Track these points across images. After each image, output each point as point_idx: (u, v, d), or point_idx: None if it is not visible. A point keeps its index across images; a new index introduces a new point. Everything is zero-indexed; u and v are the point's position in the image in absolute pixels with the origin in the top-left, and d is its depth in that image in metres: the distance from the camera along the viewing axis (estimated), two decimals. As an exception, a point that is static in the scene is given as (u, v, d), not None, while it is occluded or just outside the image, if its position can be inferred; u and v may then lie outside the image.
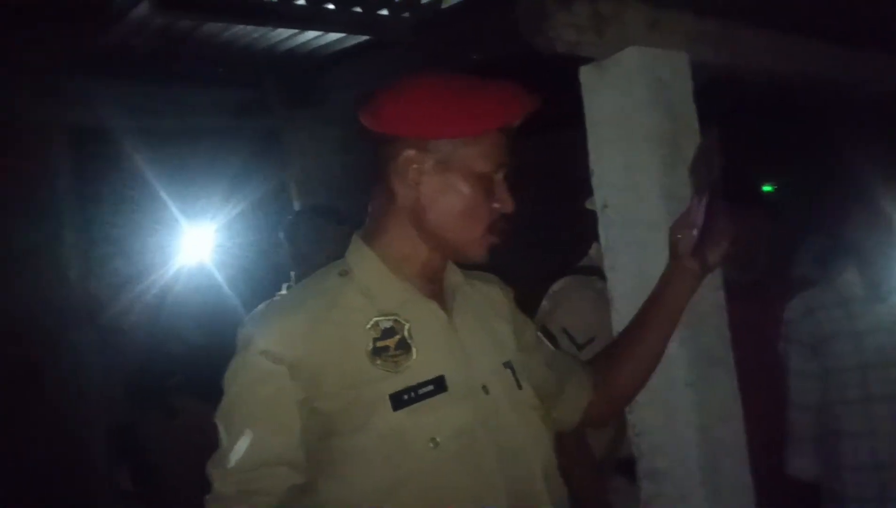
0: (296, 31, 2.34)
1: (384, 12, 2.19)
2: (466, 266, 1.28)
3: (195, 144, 3.37)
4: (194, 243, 3.00)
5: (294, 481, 1.07)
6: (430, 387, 1.09)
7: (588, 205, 1.74)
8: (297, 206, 3.08)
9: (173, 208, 2.90)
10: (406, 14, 2.18)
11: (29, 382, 2.47)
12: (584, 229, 1.78)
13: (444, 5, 2.11)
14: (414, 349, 1.11)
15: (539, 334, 1.41)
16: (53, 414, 2.52)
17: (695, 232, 1.39)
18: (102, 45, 2.42)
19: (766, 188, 4.21)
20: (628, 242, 1.58)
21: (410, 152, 1.13)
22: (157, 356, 2.93)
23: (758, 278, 2.17)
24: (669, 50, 1.60)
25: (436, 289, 1.20)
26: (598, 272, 1.82)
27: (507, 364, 1.21)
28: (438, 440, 1.07)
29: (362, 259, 1.18)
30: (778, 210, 2.44)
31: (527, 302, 1.43)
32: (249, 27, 2.32)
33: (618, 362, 1.46)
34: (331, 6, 2.13)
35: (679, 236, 1.42)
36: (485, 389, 1.15)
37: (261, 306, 1.22)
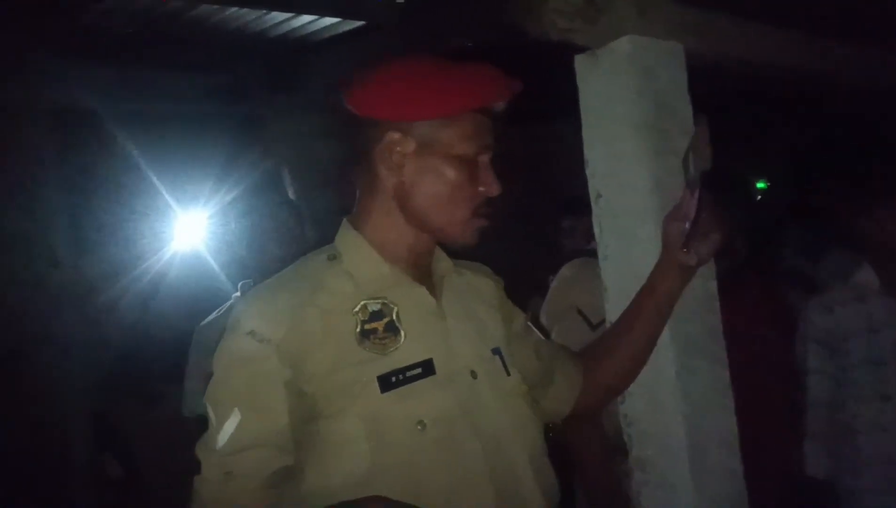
0: (285, 15, 2.31)
1: (373, -4, 2.17)
2: (458, 255, 1.28)
3: (179, 128, 3.33)
4: (183, 228, 2.97)
5: (280, 463, 1.07)
6: (419, 370, 1.10)
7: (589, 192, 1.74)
8: (291, 194, 3.05)
9: (161, 193, 2.87)
10: (396, -1, 2.16)
11: (13, 366, 2.44)
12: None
13: None
14: (402, 332, 1.12)
15: (529, 323, 1.42)
16: (37, 399, 2.49)
17: (687, 224, 1.39)
18: (84, 25, 2.38)
19: (760, 185, 4.23)
20: (620, 232, 1.58)
21: (393, 135, 1.13)
22: (142, 342, 2.91)
23: (738, 268, 2.17)
24: (663, 40, 1.60)
25: (424, 274, 1.20)
26: None
27: (496, 351, 1.22)
28: (426, 422, 1.07)
29: (350, 243, 1.18)
30: (758, 200, 2.45)
31: (518, 292, 1.43)
32: (236, 10, 2.29)
33: (609, 352, 1.47)
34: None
35: (671, 228, 1.43)
36: (473, 374, 1.16)
37: (251, 290, 1.21)
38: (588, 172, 1.62)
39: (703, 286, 1.59)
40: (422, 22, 2.19)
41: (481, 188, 1.15)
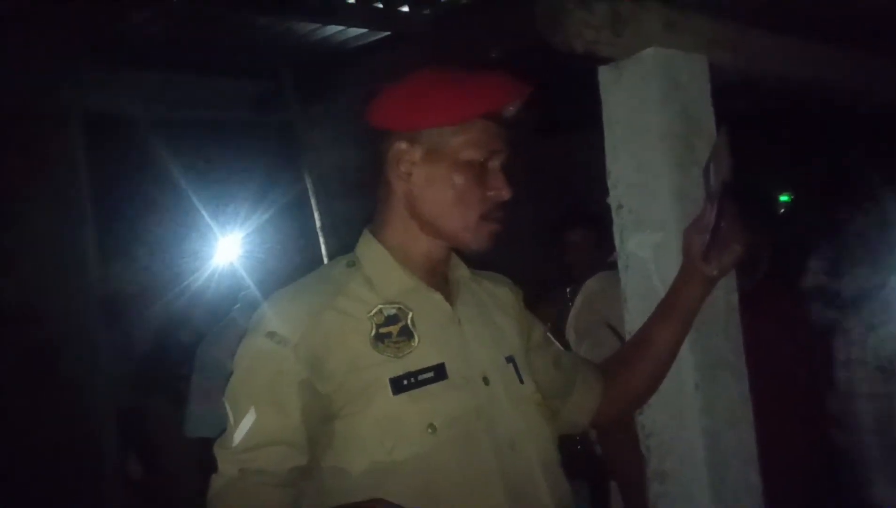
0: (317, 25, 2.35)
1: (405, 8, 2.20)
2: (479, 264, 1.30)
3: (212, 136, 3.39)
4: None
5: (295, 462, 1.10)
6: (431, 374, 1.12)
7: (608, 201, 1.74)
8: (314, 203, 3.09)
9: (194, 203, 2.92)
10: (426, 10, 2.19)
11: (44, 363, 2.49)
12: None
13: (463, 1, 2.13)
14: (416, 337, 1.14)
15: (548, 334, 1.43)
16: (66, 396, 2.54)
17: (707, 236, 1.39)
18: (122, 32, 2.44)
19: (784, 198, 4.19)
20: (642, 242, 1.58)
21: (401, 145, 1.17)
22: (167, 344, 2.96)
23: (761, 285, 2.15)
24: (688, 52, 1.60)
25: (440, 281, 1.23)
26: None
27: (510, 359, 1.23)
28: (436, 425, 1.09)
29: (369, 251, 1.21)
30: (784, 216, 2.43)
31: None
32: (270, 20, 2.33)
33: (630, 364, 1.47)
34: (352, 1, 2.14)
35: (692, 238, 1.43)
36: (485, 380, 1.17)
37: (273, 293, 1.25)
38: (610, 182, 1.62)
39: (725, 298, 1.58)
40: (451, 33, 2.22)
41: (491, 193, 1.17)
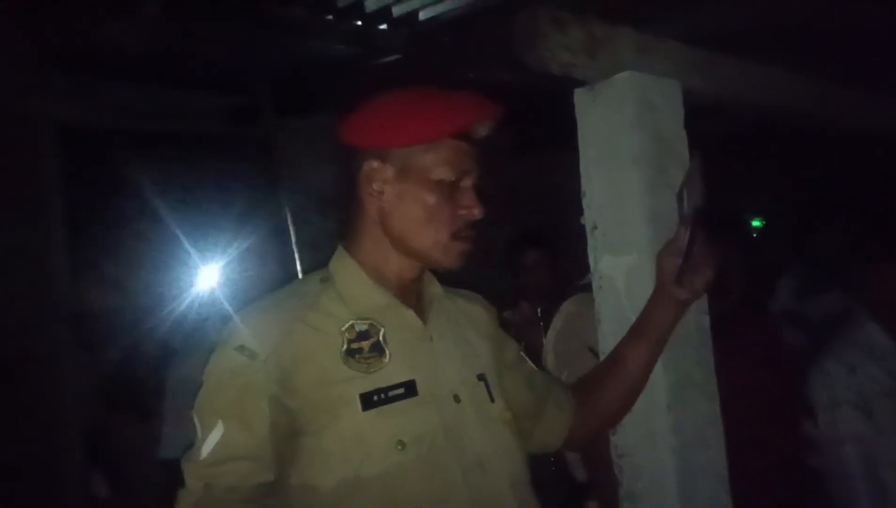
0: (295, 40, 2.36)
1: (383, 27, 2.22)
2: (452, 282, 1.30)
3: (186, 150, 3.36)
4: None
5: (261, 478, 1.09)
6: (401, 390, 1.12)
7: (582, 221, 1.75)
8: (289, 217, 3.08)
9: (164, 215, 2.89)
10: (404, 29, 2.20)
11: (7, 377, 2.44)
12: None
13: (421, 17, 2.15)
14: (388, 353, 1.14)
15: (522, 353, 1.43)
16: (28, 414, 2.48)
17: (680, 260, 1.41)
18: (98, 42, 2.42)
19: (755, 223, 4.26)
20: (615, 263, 1.59)
21: (373, 163, 1.18)
22: (134, 360, 2.91)
23: (734, 309, 2.17)
24: (662, 77, 1.63)
25: (413, 298, 1.23)
26: None
27: (481, 377, 1.24)
28: (405, 442, 1.08)
29: (343, 267, 1.22)
30: (756, 241, 2.46)
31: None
32: (249, 34, 2.33)
33: (602, 384, 1.48)
34: (330, 17, 2.15)
35: (665, 262, 1.44)
36: (456, 398, 1.17)
37: (245, 307, 1.24)
38: (585, 203, 1.64)
39: (696, 321, 1.59)
40: (429, 53, 2.24)
41: (462, 212, 1.18)
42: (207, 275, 2.59)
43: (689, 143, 1.65)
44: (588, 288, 1.87)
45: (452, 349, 1.22)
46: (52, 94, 2.71)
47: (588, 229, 1.64)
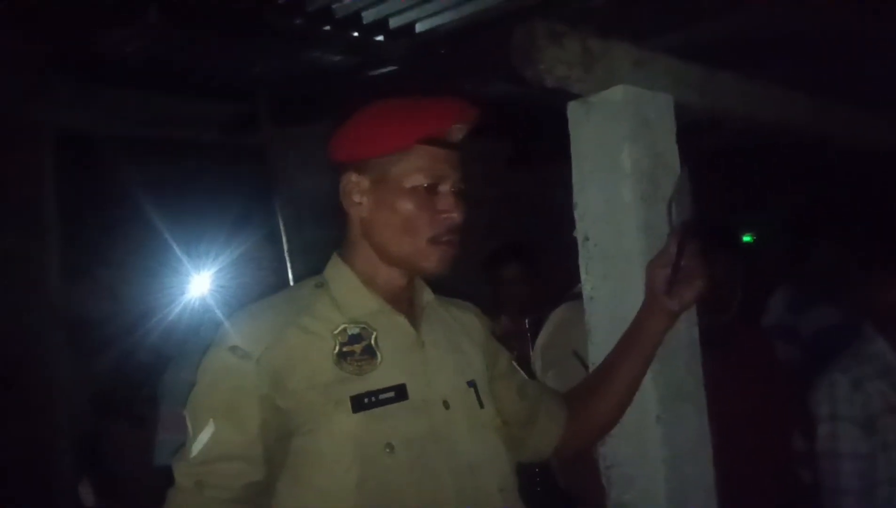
0: (292, 50, 2.37)
1: (380, 38, 2.23)
2: (443, 293, 1.31)
3: (183, 157, 3.37)
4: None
5: (251, 478, 1.10)
6: (392, 394, 1.13)
7: (575, 234, 1.77)
8: (282, 227, 3.08)
9: (160, 222, 2.89)
10: (402, 40, 2.22)
11: (-1, 384, 2.43)
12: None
13: (418, 28, 2.16)
14: (379, 356, 1.16)
15: (514, 363, 1.44)
16: (22, 420, 2.48)
17: (669, 270, 1.42)
18: (98, 48, 2.43)
19: (746, 238, 4.28)
20: (607, 274, 1.61)
21: (351, 176, 1.21)
22: (127, 365, 2.91)
23: (730, 323, 2.18)
24: (655, 91, 1.64)
25: (406, 305, 1.25)
26: None
27: (471, 383, 1.25)
28: (394, 445, 1.10)
29: (337, 273, 1.24)
30: (753, 256, 2.47)
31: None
32: (247, 43, 2.35)
33: (593, 394, 1.49)
34: (328, 28, 2.17)
35: (655, 273, 1.46)
36: (445, 404, 1.19)
37: (239, 309, 1.26)
38: (577, 214, 1.65)
39: (687, 332, 1.60)
40: (426, 64, 2.25)
41: (441, 216, 1.19)
42: (201, 282, 2.59)
43: (684, 156, 1.67)
44: (580, 296, 1.89)
45: (444, 355, 1.24)
46: (51, 99, 2.72)
47: (580, 240, 1.66)
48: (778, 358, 2.35)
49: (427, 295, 1.30)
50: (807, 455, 2.25)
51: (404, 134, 1.18)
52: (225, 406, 1.11)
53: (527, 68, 1.50)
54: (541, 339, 2.18)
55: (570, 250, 1.70)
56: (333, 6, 2.08)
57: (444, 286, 1.36)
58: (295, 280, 2.20)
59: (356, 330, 1.17)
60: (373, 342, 1.17)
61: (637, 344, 1.47)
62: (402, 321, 1.22)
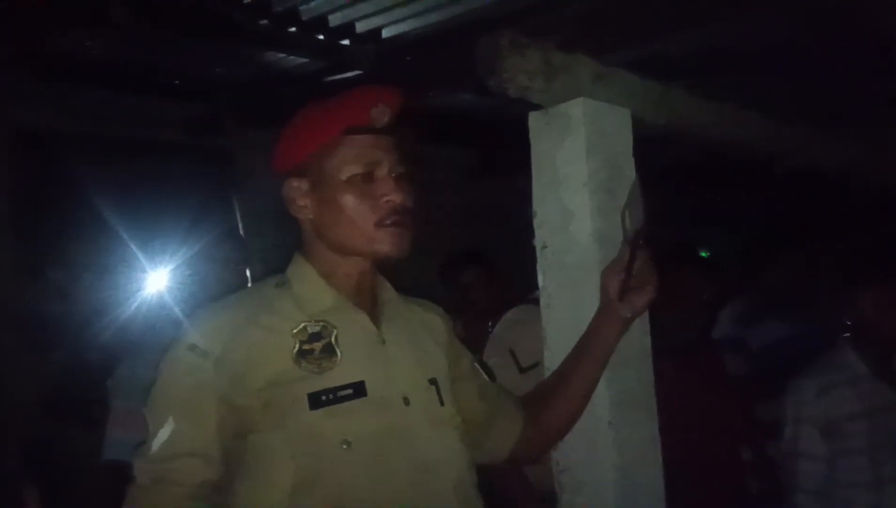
0: (257, 51, 2.37)
1: (346, 42, 2.24)
2: (409, 293, 1.33)
3: (143, 156, 3.33)
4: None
5: (207, 475, 1.11)
6: (350, 391, 1.14)
7: (534, 241, 1.80)
8: (242, 231, 3.06)
9: (118, 222, 2.86)
10: (368, 45, 2.23)
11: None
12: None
13: (385, 34, 2.18)
14: (339, 354, 1.16)
15: (476, 365, 1.46)
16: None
17: (622, 278, 1.45)
18: (61, 46, 2.40)
19: (701, 254, 4.38)
20: (563, 282, 1.64)
21: (290, 182, 1.23)
22: (79, 367, 2.85)
23: (692, 338, 2.24)
24: (613, 104, 1.68)
25: (369, 302, 1.26)
26: None
27: (433, 381, 1.26)
28: (351, 441, 1.11)
29: (299, 271, 1.25)
30: (716, 272, 2.53)
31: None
32: (213, 44, 2.34)
33: (549, 399, 1.51)
34: (294, 30, 2.17)
35: (609, 280, 1.49)
36: (405, 400, 1.20)
37: (200, 308, 1.27)
38: (536, 223, 1.68)
39: (639, 340, 1.64)
40: (393, 70, 2.27)
41: (384, 200, 1.20)
42: (157, 281, 2.57)
43: (641, 169, 1.71)
44: (533, 301, 1.93)
45: (405, 352, 1.25)
46: (9, 96, 2.67)
47: (538, 248, 1.68)
48: (727, 370, 2.41)
49: (389, 293, 1.31)
50: (754, 465, 2.32)
51: (327, 128, 1.20)
52: (183, 405, 1.12)
53: (490, 77, 1.53)
54: (490, 337, 2.24)
55: (531, 256, 1.74)
56: (300, 8, 2.08)
57: (409, 288, 1.38)
58: (253, 282, 2.19)
59: (316, 328, 1.17)
60: (333, 340, 1.17)
61: (591, 350, 1.50)
62: (362, 317, 1.22)
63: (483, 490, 1.28)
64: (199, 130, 3.08)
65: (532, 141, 1.70)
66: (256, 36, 2.19)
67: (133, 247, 2.90)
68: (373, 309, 1.26)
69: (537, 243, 1.69)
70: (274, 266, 1.32)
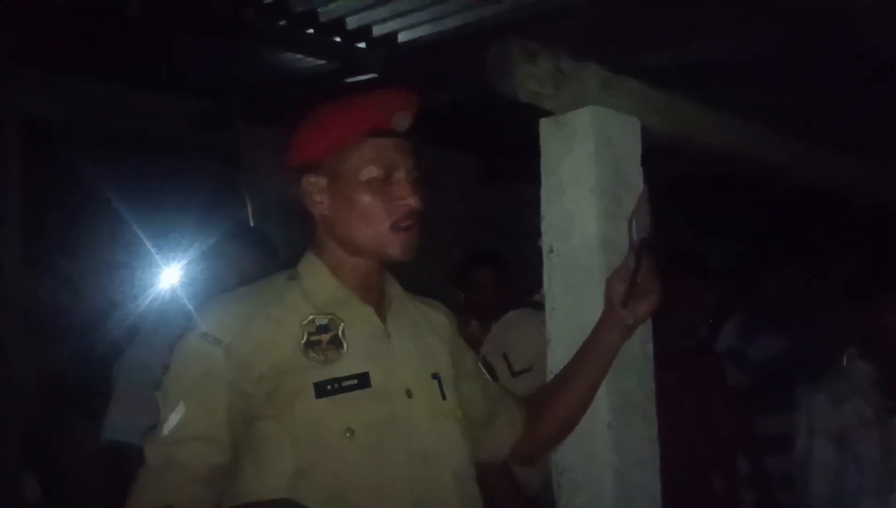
0: (273, 50, 2.40)
1: (362, 45, 2.27)
2: (417, 292, 1.36)
3: (153, 151, 3.35)
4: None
5: (216, 459, 1.14)
6: (354, 381, 1.18)
7: (540, 244, 1.82)
8: (251, 224, 3.09)
9: (126, 215, 2.88)
10: (383, 49, 2.26)
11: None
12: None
13: (401, 38, 2.21)
14: (345, 346, 1.20)
15: (479, 365, 1.49)
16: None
17: (627, 285, 1.48)
18: (72, 39, 2.42)
19: (704, 264, 4.38)
20: (568, 286, 1.66)
21: (308, 178, 1.25)
22: (84, 357, 2.87)
23: (695, 347, 2.27)
24: (622, 112, 1.71)
25: (376, 297, 1.29)
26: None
27: (435, 376, 1.29)
28: (354, 430, 1.14)
29: (310, 266, 1.28)
30: (718, 282, 2.55)
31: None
32: (229, 43, 2.36)
33: (549, 402, 1.53)
34: (311, 32, 2.20)
35: (613, 286, 1.51)
36: (408, 393, 1.23)
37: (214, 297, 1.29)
38: (543, 227, 1.71)
39: (641, 347, 1.66)
40: (403, 72, 2.30)
41: (400, 203, 1.23)
42: (164, 275, 2.59)
43: (648, 179, 1.73)
44: (536, 305, 1.95)
45: (409, 347, 1.28)
46: (20, 87, 2.70)
47: (545, 252, 1.71)
48: (728, 382, 2.43)
49: (396, 289, 1.34)
50: (749, 477, 2.34)
51: (349, 130, 1.22)
52: (195, 390, 1.15)
53: (501, 82, 1.55)
54: (487, 336, 2.27)
55: (531, 261, 1.76)
56: (318, 10, 2.11)
57: (417, 288, 1.41)
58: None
59: (324, 321, 1.21)
60: (340, 333, 1.20)
61: (594, 354, 1.52)
62: (369, 311, 1.26)
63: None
64: (210, 127, 3.10)
65: (542, 146, 1.72)
66: (274, 36, 2.22)
67: (142, 240, 2.93)
68: (379, 304, 1.29)
69: (544, 246, 1.71)
70: (282, 262, 1.35)
